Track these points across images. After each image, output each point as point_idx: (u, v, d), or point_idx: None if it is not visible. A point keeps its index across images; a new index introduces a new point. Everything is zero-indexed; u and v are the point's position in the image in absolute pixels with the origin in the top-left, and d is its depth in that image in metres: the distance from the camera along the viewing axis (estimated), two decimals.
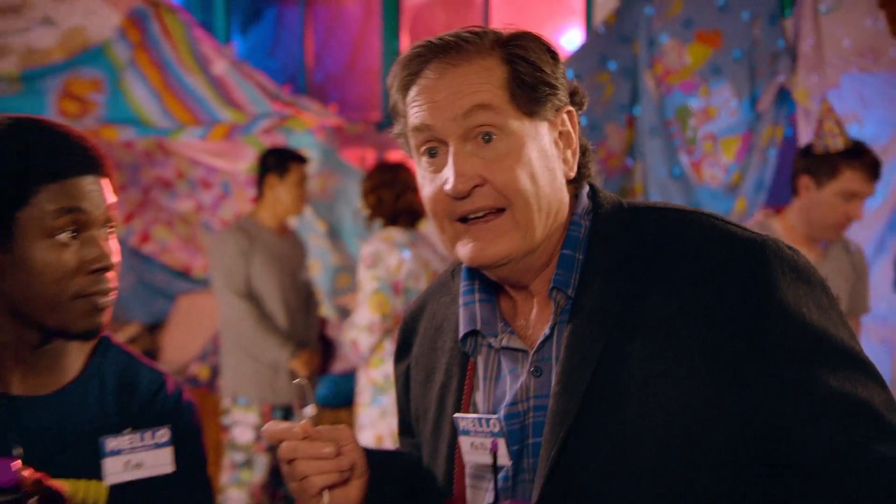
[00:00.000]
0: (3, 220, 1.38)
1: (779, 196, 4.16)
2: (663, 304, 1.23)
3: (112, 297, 1.44)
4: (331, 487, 1.29)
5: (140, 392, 1.53)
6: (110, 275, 1.43)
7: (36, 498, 1.24)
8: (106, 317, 1.44)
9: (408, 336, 1.54)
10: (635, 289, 1.26)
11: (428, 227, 4.30)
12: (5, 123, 1.44)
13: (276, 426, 1.29)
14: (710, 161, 4.22)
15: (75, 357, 1.50)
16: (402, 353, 1.55)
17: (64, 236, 1.38)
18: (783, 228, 3.16)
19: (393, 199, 4.00)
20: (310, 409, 1.29)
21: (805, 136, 4.00)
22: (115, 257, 1.45)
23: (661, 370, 1.21)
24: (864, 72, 3.91)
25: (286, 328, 4.37)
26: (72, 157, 1.41)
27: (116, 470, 1.38)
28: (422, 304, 1.54)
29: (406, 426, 1.55)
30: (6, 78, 4.53)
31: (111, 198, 1.45)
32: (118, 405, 1.51)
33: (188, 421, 1.55)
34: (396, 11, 6.24)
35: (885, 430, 1.16)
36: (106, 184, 1.45)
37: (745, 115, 4.10)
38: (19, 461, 1.25)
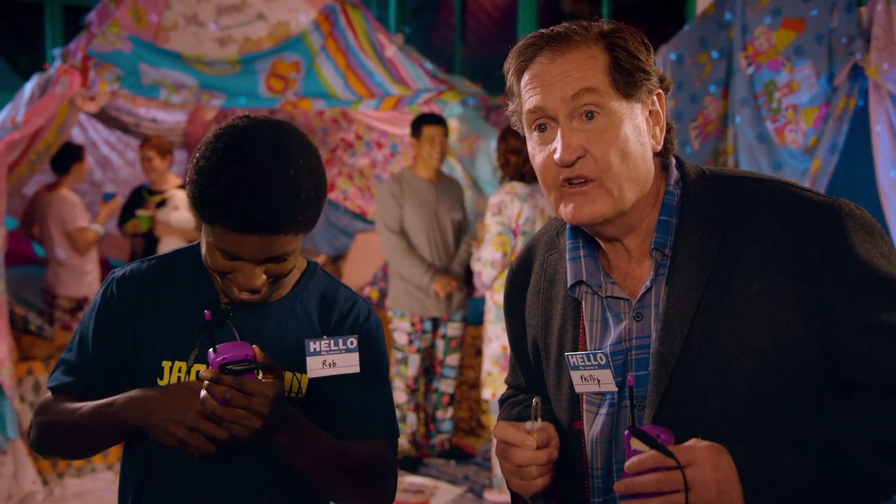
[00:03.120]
0: (200, 221, 1.48)
1: (850, 158, 4.37)
2: (752, 257, 1.26)
3: (254, 296, 1.49)
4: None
5: (337, 308, 1.64)
6: (258, 292, 1.49)
7: (261, 371, 1.39)
8: (255, 297, 1.50)
9: (518, 289, 1.55)
10: (725, 245, 1.28)
11: None
12: (213, 155, 1.41)
13: (510, 430, 1.32)
14: (792, 127, 4.39)
15: (287, 280, 1.60)
16: (514, 306, 1.56)
17: (227, 256, 1.46)
18: None
19: (521, 163, 4.33)
20: (532, 425, 1.30)
21: (875, 108, 4.05)
22: (263, 280, 1.47)
23: (751, 314, 1.24)
24: None
25: (430, 258, 4.79)
26: (244, 219, 1.39)
27: (316, 367, 1.49)
28: (528, 260, 1.56)
29: (523, 362, 1.57)
30: (229, 61, 4.92)
31: (277, 248, 1.43)
32: (319, 317, 1.62)
33: (374, 332, 1.65)
34: (534, 6, 6.33)
35: None
36: (272, 240, 1.42)
37: (823, 88, 4.24)
38: (248, 344, 1.40)
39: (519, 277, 1.56)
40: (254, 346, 1.40)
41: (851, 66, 4.16)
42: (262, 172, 1.39)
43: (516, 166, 4.37)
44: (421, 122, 4.86)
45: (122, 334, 1.59)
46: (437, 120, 4.89)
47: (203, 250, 1.50)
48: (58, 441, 1.58)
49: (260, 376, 1.39)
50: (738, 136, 4.65)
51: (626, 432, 1.23)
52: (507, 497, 4.35)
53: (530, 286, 1.52)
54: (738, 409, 1.23)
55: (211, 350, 1.37)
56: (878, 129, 4.10)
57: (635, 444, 1.21)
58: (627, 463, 1.20)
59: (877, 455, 1.18)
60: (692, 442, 1.20)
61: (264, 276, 1.48)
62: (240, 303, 1.52)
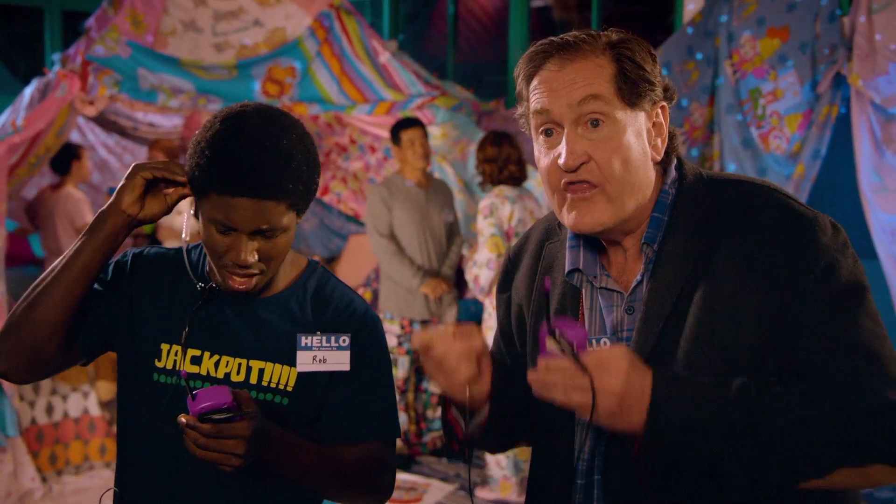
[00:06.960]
0: (196, 202, 1.52)
1: (833, 163, 4.42)
2: (730, 259, 1.27)
3: (249, 279, 1.49)
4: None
5: (333, 304, 1.60)
6: (248, 268, 1.48)
7: (246, 414, 1.36)
8: (253, 288, 1.51)
9: (511, 271, 1.58)
10: (709, 246, 1.29)
11: (531, 184, 4.66)
12: (211, 129, 1.47)
13: (424, 332, 1.34)
14: (776, 133, 4.42)
15: (285, 275, 1.61)
16: (505, 285, 1.59)
17: (220, 228, 1.47)
18: None
19: (496, 172, 4.42)
20: (451, 314, 1.50)
21: (857, 115, 4.06)
22: (254, 257, 1.46)
23: (718, 313, 1.26)
24: None
25: (422, 260, 4.72)
26: (235, 180, 1.42)
27: (306, 361, 1.49)
28: (523, 245, 1.58)
29: (506, 337, 1.57)
30: (226, 66, 4.91)
31: (268, 218, 1.44)
32: (314, 312, 1.59)
33: (370, 331, 1.61)
34: (526, 14, 6.40)
35: (887, 376, 1.22)
36: (262, 206, 1.43)
37: (806, 96, 4.28)
38: (227, 388, 1.36)
39: (511, 263, 1.58)
40: (228, 390, 1.37)
41: (834, 74, 4.19)
42: (255, 138, 1.43)
43: (494, 175, 4.45)
44: (398, 129, 4.80)
45: (121, 296, 1.60)
46: (413, 123, 4.83)
47: (202, 237, 1.51)
48: (34, 311, 1.49)
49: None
50: (724, 142, 4.68)
51: (541, 328, 1.26)
52: (499, 494, 4.35)
53: (521, 269, 1.54)
54: None
55: (190, 396, 1.34)
56: (860, 136, 4.11)
57: (550, 343, 1.23)
58: (540, 363, 1.22)
59: (799, 431, 1.18)
60: (615, 349, 1.22)
61: (256, 254, 1.47)
62: (233, 292, 1.52)
